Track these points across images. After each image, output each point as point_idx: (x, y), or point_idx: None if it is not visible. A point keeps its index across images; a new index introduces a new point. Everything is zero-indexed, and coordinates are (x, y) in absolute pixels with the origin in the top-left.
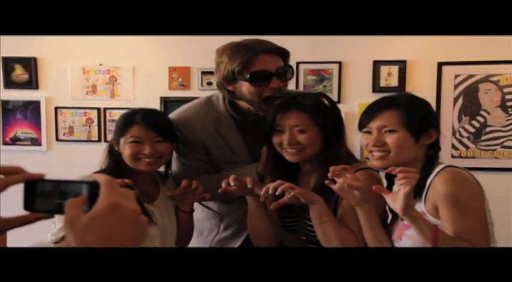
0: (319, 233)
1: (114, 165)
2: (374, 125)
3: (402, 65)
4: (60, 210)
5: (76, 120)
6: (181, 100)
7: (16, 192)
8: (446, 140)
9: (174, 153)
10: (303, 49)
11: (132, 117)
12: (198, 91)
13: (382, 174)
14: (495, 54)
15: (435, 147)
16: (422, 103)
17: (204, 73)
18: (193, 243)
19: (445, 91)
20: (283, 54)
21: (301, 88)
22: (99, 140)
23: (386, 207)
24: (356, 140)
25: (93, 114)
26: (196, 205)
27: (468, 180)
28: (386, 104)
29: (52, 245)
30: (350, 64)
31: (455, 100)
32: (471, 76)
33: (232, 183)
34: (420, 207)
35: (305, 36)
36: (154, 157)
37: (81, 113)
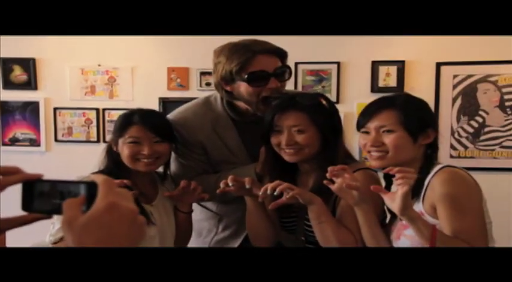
0: (317, 233)
1: (113, 166)
2: (372, 125)
3: (401, 65)
4: (58, 210)
5: (75, 120)
6: (180, 101)
7: (14, 193)
8: (445, 140)
9: (173, 154)
10: (302, 49)
11: (131, 118)
12: (196, 92)
13: (380, 175)
14: (494, 55)
15: (433, 147)
16: (420, 103)
17: (202, 74)
18: (192, 243)
19: (444, 91)
20: (281, 54)
21: (299, 88)
22: (98, 141)
23: (385, 207)
24: (355, 140)
25: (92, 115)
26: (195, 205)
27: (466, 180)
28: (384, 104)
29: (51, 246)
30: (348, 64)
31: (454, 100)
32: (470, 76)
33: (230, 184)
34: (418, 207)
35: (304, 36)
36: (153, 157)
37: (80, 113)
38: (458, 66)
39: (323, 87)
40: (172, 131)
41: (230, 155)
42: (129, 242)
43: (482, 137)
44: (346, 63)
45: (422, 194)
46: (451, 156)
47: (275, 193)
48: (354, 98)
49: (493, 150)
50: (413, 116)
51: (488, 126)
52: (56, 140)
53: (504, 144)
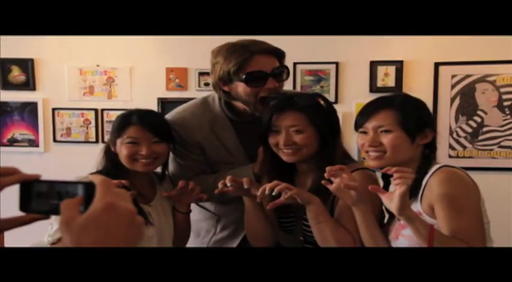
0: (316, 233)
1: (111, 166)
2: (370, 125)
3: (399, 65)
4: (56, 210)
5: (73, 121)
6: (178, 101)
7: (13, 193)
8: (443, 140)
9: (171, 154)
10: (300, 49)
11: (129, 118)
12: (195, 92)
13: (378, 174)
14: (492, 54)
15: (431, 147)
16: (418, 103)
17: (201, 74)
18: (191, 244)
19: (442, 91)
20: (279, 54)
21: (298, 88)
22: (96, 141)
23: (383, 207)
24: (353, 140)
25: (91, 115)
26: (193, 206)
27: (464, 179)
28: (382, 104)
29: (49, 246)
30: (347, 64)
31: (452, 100)
32: (468, 76)
33: (228, 184)
34: (416, 207)
35: (302, 36)
36: (151, 158)
37: (79, 114)
38: (456, 66)
39: (321, 87)
40: (171, 131)
41: (228, 155)
42: (127, 242)
43: (480, 137)
44: (345, 63)
45: (420, 193)
46: (450, 156)
47: (273, 193)
48: (352, 98)
49: (492, 150)
50: (411, 116)
51: (487, 126)
52: (55, 140)
53: (502, 144)
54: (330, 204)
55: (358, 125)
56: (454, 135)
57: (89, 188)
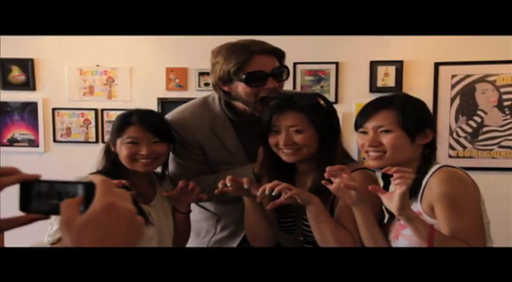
0: (316, 233)
1: (111, 166)
2: (370, 125)
3: (399, 65)
4: (56, 211)
5: (73, 121)
6: (178, 101)
7: (13, 193)
8: (443, 140)
9: (171, 154)
10: (300, 49)
11: (129, 118)
12: (195, 92)
13: (378, 174)
14: (492, 54)
15: (431, 147)
16: (418, 103)
17: (201, 74)
18: (191, 244)
19: (442, 91)
20: (279, 54)
21: (298, 88)
22: (96, 141)
23: (383, 207)
24: (353, 140)
25: (91, 115)
26: (193, 206)
27: (464, 179)
28: (382, 104)
29: (49, 246)
30: (347, 64)
31: (452, 100)
32: (468, 76)
33: (228, 184)
34: (416, 207)
35: (302, 36)
36: (151, 158)
37: (79, 114)
38: (456, 66)
39: (322, 87)
40: (171, 131)
41: (228, 155)
42: (127, 242)
43: (480, 137)
44: (345, 63)
45: (420, 193)
46: (450, 156)
47: (273, 193)
48: (352, 98)
49: (492, 150)
50: (411, 116)
51: (487, 126)
52: (55, 140)
53: (502, 144)
54: (330, 204)
55: (358, 125)
56: (454, 135)
57: (89, 188)
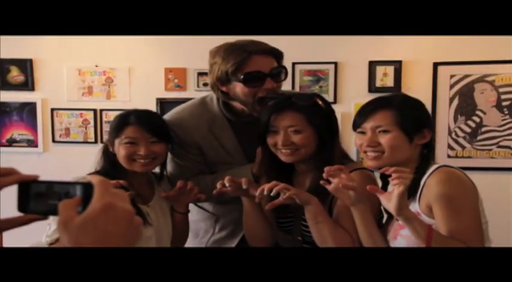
0: (314, 233)
1: (109, 167)
2: (368, 125)
3: (398, 65)
4: (54, 211)
5: (72, 121)
6: (177, 101)
7: (11, 194)
8: (442, 140)
9: (169, 154)
10: (299, 50)
11: (127, 118)
12: (194, 92)
13: (377, 175)
14: (491, 54)
15: (429, 147)
16: (416, 103)
17: (200, 74)
18: (189, 244)
19: (441, 91)
20: (277, 55)
21: (297, 89)
22: (95, 142)
23: (382, 208)
24: (352, 140)
25: (89, 116)
26: (191, 206)
27: (462, 179)
28: (380, 105)
29: (47, 246)
30: (346, 64)
31: (451, 100)
32: (467, 76)
33: (227, 184)
34: (414, 207)
35: (301, 36)
36: (149, 158)
37: (77, 114)
38: (455, 66)
39: (320, 87)
40: (169, 132)
41: (226, 155)
42: (125, 242)
43: (479, 137)
44: (344, 63)
45: (419, 194)
46: (449, 156)
47: (272, 194)
48: (351, 98)
49: (490, 150)
50: (409, 116)
51: (486, 126)
52: (54, 140)
53: (501, 144)
54: (329, 204)
55: (357, 125)
56: (453, 135)
57: (87, 188)
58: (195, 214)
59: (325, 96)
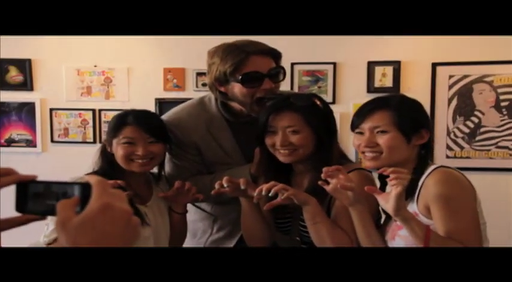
0: (312, 234)
1: (107, 167)
2: (366, 125)
3: (396, 65)
4: (52, 211)
5: (71, 121)
6: (176, 101)
7: (9, 194)
8: (440, 141)
9: (167, 155)
10: (298, 50)
11: (125, 118)
12: (193, 92)
13: (375, 175)
14: (489, 55)
15: (427, 147)
16: (414, 104)
17: (199, 74)
18: (187, 244)
19: (440, 91)
20: (275, 55)
21: (296, 89)
22: (94, 142)
23: (380, 208)
24: (351, 141)
25: (88, 116)
26: (189, 206)
27: (460, 180)
28: (378, 105)
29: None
30: (345, 65)
31: (450, 100)
32: (465, 76)
33: (225, 185)
34: (412, 207)
35: (300, 36)
36: (147, 158)
37: (76, 114)
38: (454, 67)
39: (319, 87)
40: (167, 132)
41: (225, 155)
42: (123, 242)
43: (478, 138)
44: (342, 64)
45: (417, 194)
46: (447, 157)
47: (270, 194)
48: (350, 98)
49: (489, 150)
50: (407, 117)
51: (484, 126)
52: (52, 140)
53: (500, 144)
54: (327, 204)
55: (355, 125)
56: (452, 135)
57: (85, 188)
58: (193, 214)
59: (323, 96)
